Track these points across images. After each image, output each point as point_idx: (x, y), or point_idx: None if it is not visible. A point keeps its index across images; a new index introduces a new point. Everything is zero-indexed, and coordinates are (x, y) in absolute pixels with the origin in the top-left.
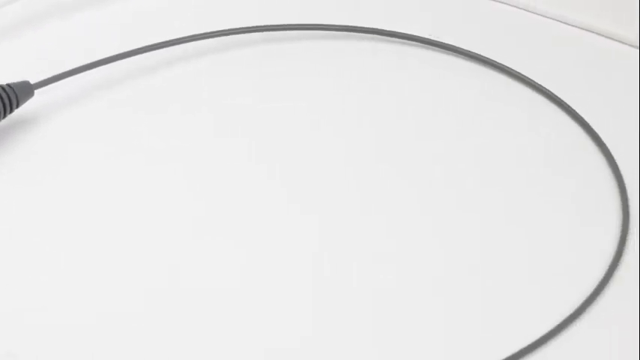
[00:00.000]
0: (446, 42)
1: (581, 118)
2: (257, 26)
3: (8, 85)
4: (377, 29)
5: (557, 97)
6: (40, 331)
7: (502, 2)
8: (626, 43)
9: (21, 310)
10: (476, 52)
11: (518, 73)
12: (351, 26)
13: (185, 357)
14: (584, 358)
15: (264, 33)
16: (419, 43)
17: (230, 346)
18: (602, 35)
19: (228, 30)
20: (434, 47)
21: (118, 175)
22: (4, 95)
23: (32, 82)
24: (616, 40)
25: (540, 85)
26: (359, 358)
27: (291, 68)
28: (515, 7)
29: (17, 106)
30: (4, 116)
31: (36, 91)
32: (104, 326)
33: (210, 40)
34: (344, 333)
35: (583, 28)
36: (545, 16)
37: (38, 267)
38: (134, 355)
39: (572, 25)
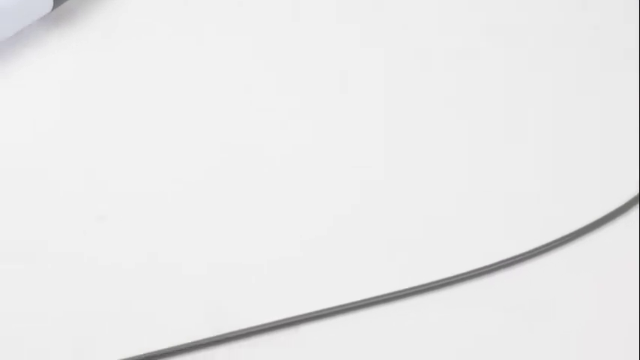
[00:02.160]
0: None
1: None
2: None
3: None
4: None
5: None
6: (123, 197)
7: None
8: None
9: (107, 178)
10: None
11: None
12: None
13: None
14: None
15: None
16: None
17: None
18: None
19: None
20: None
21: (191, 45)
22: None
23: None
24: None
25: None
26: None
27: None
28: None
29: None
30: None
31: None
32: (182, 191)
33: None
34: None
35: None
36: None
37: (118, 135)
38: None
39: None
